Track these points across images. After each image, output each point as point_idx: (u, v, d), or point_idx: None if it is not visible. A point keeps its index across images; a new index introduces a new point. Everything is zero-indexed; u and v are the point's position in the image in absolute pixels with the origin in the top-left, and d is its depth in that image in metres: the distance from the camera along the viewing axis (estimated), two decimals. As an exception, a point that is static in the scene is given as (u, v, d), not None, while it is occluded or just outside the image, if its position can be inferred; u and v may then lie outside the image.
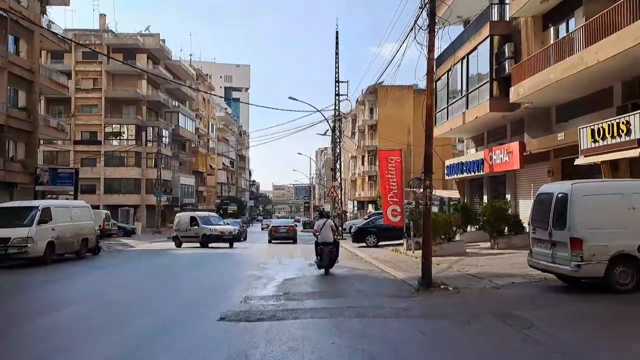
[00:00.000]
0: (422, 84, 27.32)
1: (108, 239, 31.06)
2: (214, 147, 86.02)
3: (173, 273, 16.69)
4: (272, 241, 31.38)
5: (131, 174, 57.29)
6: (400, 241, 23.25)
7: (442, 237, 17.12)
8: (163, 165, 56.56)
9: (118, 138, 57.37)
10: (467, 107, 24.82)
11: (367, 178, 64.74)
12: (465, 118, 24.83)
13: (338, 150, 32.42)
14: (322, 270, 14.27)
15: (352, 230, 25.64)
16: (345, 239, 31.60)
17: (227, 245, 26.66)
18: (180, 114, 64.80)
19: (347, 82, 30.27)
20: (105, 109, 57.44)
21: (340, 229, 32.42)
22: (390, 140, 59.73)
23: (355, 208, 71.14)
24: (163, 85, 63.66)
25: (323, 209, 78.71)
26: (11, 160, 30.66)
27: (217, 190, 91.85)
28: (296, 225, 37.02)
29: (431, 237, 11.45)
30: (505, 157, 21.91)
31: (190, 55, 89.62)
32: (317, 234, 14.58)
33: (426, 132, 11.79)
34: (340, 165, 32.44)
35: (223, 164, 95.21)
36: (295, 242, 31.81)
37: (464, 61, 25.17)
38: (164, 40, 62.99)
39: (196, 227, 26.51)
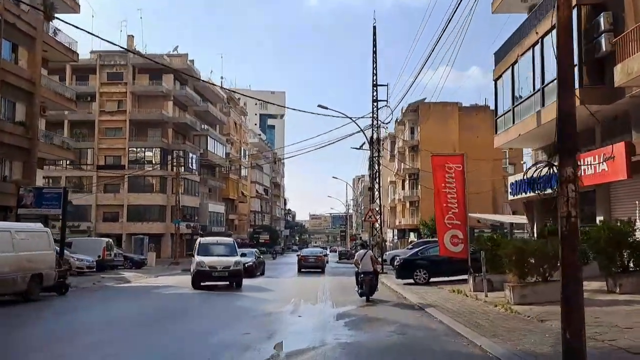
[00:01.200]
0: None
1: (109, 271, 26.55)
2: (246, 174, 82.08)
3: (117, 334, 10.01)
4: (302, 269, 31.50)
5: (156, 200, 53.45)
6: (461, 277, 17.66)
7: (536, 275, 11.46)
8: (183, 190, 52.71)
9: (142, 162, 53.78)
10: (542, 105, 19.20)
11: (408, 204, 58.91)
12: (541, 118, 19.19)
13: (377, 167, 27.08)
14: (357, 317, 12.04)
15: (395, 263, 20.06)
16: (386, 272, 26.13)
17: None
18: (209, 138, 61.11)
19: (387, 85, 24.70)
20: (130, 132, 54.20)
21: (379, 259, 27.02)
22: (434, 162, 54.10)
23: (395, 237, 65.09)
24: (191, 108, 60.32)
25: (361, 239, 73.09)
26: (4, 180, 26.75)
27: (251, 219, 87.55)
28: (326, 255, 35.98)
29: (579, 279, 5.84)
30: (601, 165, 16.15)
31: (222, 78, 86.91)
32: (358, 264, 15.39)
33: (559, 73, 6.18)
34: (379, 184, 27.03)
35: (256, 191, 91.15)
36: (323, 272, 30.97)
37: (537, 47, 19.69)
38: (192, 61, 59.94)
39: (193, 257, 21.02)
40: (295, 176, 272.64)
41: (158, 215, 53.50)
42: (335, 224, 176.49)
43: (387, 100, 26.04)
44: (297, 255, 45.82)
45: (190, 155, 56.43)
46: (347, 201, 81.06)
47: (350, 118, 26.36)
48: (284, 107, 63.73)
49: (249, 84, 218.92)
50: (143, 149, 53.89)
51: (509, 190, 24.74)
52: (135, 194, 53.09)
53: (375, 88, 25.93)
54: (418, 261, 19.33)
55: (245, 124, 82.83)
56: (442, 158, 15.84)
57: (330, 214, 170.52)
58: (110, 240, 28.05)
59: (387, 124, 25.85)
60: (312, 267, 31.11)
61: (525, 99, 21.15)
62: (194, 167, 57.61)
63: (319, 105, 26.13)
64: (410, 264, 19.45)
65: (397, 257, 31.38)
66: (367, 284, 14.74)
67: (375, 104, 26.02)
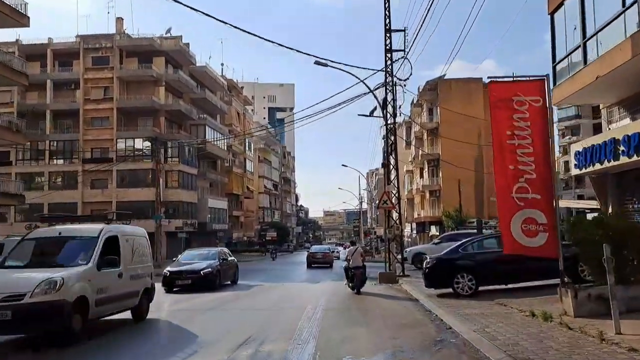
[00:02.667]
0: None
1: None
2: (251, 169, 76.00)
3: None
4: (312, 265, 32.52)
5: (147, 195, 47.44)
6: (525, 284, 11.40)
7: None
8: (177, 184, 47.11)
9: (132, 154, 47.87)
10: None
11: (427, 194, 52.25)
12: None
13: (392, 138, 20.65)
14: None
15: (425, 265, 13.55)
16: (408, 275, 19.77)
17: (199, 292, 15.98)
18: (207, 127, 55.05)
19: (405, 30, 18.32)
20: (118, 122, 48.41)
21: (398, 256, 20.72)
22: (456, 146, 47.47)
23: (414, 231, 58.39)
24: (187, 95, 54.34)
25: (376, 234, 66.97)
26: None
27: (259, 216, 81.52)
28: (334, 252, 38.13)
29: None
30: None
31: (222, 64, 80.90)
32: (349, 259, 16.13)
33: None
34: (395, 159, 20.65)
35: (265, 186, 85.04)
36: (331, 266, 32.30)
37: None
38: (187, 45, 53.89)
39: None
40: (306, 171, 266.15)
41: (151, 212, 47.55)
42: (350, 221, 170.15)
43: (404, 51, 19.36)
44: (307, 252, 42.26)
45: (185, 145, 50.46)
46: (359, 193, 74.16)
47: (358, 78, 20.00)
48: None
49: (256, 76, 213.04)
50: (132, 140, 47.99)
51: (574, 162, 18.08)
52: (125, 190, 47.30)
53: (388, 34, 19.43)
54: (460, 261, 12.86)
55: (251, 115, 76.75)
56: (506, 87, 9.25)
57: (345, 210, 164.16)
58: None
59: (404, 81, 19.05)
60: (320, 262, 32.78)
61: (609, 23, 14.44)
62: (190, 159, 51.62)
63: (316, 62, 19.80)
64: (448, 265, 12.99)
65: (425, 256, 25.05)
66: (357, 278, 15.35)
67: (388, 55, 19.51)
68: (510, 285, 12.66)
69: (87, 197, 47.57)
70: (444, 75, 48.78)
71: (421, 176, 54.76)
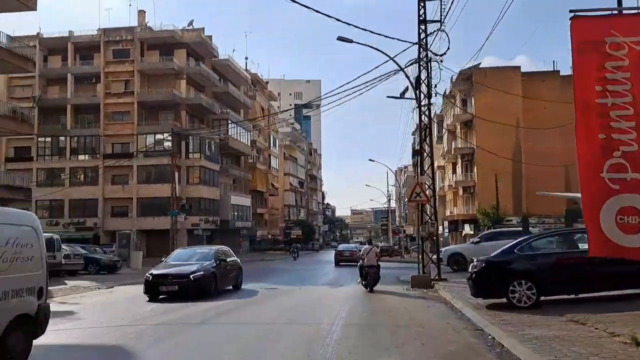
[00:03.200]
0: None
1: (52, 279, 18.84)
2: (276, 166, 74.10)
3: None
4: (340, 263, 33.39)
5: (168, 191, 45.84)
6: (605, 292, 8.79)
7: None
8: (199, 180, 45.45)
9: (153, 149, 46.35)
10: None
11: (461, 190, 49.22)
12: None
13: (427, 120, 18.08)
14: None
15: (471, 269, 10.95)
16: (445, 279, 17.24)
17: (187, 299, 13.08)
18: (229, 122, 53.21)
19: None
20: (139, 116, 47.02)
21: (433, 257, 18.19)
22: (492, 139, 44.37)
23: (446, 230, 55.32)
24: (209, 89, 52.68)
25: (404, 232, 64.14)
26: None
27: (285, 214, 79.65)
28: (360, 250, 33.52)
29: None
30: None
31: (246, 58, 79.13)
32: (364, 258, 16.06)
33: None
34: (430, 145, 18.10)
35: (290, 184, 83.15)
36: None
37: None
38: (210, 37, 52.21)
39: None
40: (333, 167, 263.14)
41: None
42: (377, 219, 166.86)
43: (440, 22, 16.78)
44: (335, 250, 42.14)
45: (207, 140, 48.77)
46: (387, 190, 71.37)
47: (387, 55, 17.51)
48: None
49: (282, 73, 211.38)
50: (153, 135, 46.46)
51: None
52: (146, 186, 45.85)
53: (422, 2, 16.86)
54: (516, 265, 10.29)
55: (276, 110, 74.80)
56: (596, 23, 6.59)
57: (372, 208, 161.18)
58: (55, 236, 20.27)
59: (441, 56, 16.40)
60: (347, 260, 33.34)
61: None
62: (212, 155, 49.90)
63: (339, 38, 17.44)
64: (500, 270, 10.42)
65: (461, 257, 22.48)
66: (371, 277, 15.56)
67: (422, 26, 16.95)
68: (584, 295, 10.03)
69: (107, 193, 46.34)
70: (479, 64, 45.70)
71: (454, 172, 51.69)
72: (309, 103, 78.33)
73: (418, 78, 17.50)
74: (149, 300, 13.37)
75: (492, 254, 10.85)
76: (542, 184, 42.62)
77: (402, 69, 17.81)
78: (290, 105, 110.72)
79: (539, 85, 45.52)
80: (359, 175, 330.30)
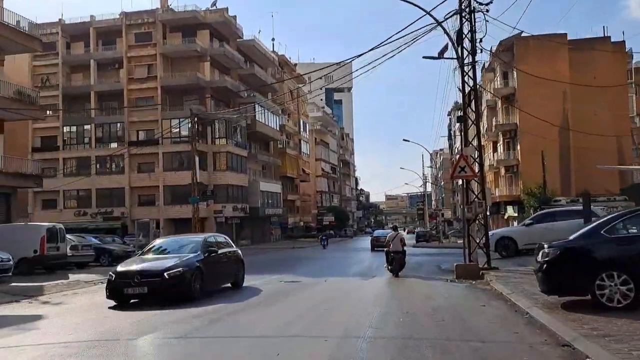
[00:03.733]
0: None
1: (57, 272, 17.08)
2: (306, 151, 71.81)
3: None
4: (375, 249, 32.64)
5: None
6: None
7: None
8: (225, 166, 43.55)
9: (176, 135, 44.75)
10: None
11: (502, 170, 45.72)
12: None
13: (470, 80, 15.29)
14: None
15: (540, 257, 8.19)
16: (495, 267, 14.62)
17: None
18: (256, 105, 51.07)
19: None
20: (163, 101, 45.40)
21: (481, 240, 15.60)
22: (537, 113, 40.74)
23: (487, 212, 51.92)
24: (234, 71, 50.68)
25: (442, 215, 61.01)
26: None
27: (318, 200, 77.49)
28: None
29: None
30: None
31: (273, 40, 76.69)
32: (389, 244, 15.84)
33: None
34: (476, 110, 15.39)
35: (322, 169, 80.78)
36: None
37: None
38: (234, 17, 50.03)
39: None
40: (366, 151, 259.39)
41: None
42: (413, 204, 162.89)
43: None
44: (370, 236, 42.68)
45: (234, 125, 46.83)
46: (423, 171, 68.26)
47: (424, 9, 14.75)
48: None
49: (312, 57, 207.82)
50: (178, 120, 44.77)
51: None
52: (172, 173, 44.35)
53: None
54: (604, 252, 7.60)
55: (304, 94, 72.41)
56: None
57: (407, 193, 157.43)
58: (58, 225, 18.42)
59: (487, 5, 13.43)
60: (383, 246, 33.58)
61: None
62: (239, 140, 47.99)
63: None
64: (583, 259, 7.75)
65: (541, 245, 19.61)
66: (397, 262, 15.29)
67: (465, -32, 14.06)
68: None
69: (134, 181, 45.09)
70: (521, 32, 41.88)
71: (494, 151, 48.16)
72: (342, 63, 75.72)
73: (460, 32, 14.69)
74: (112, 308, 10.05)
75: (571, 237, 8.12)
76: (594, 161, 38.86)
77: (439, 24, 15.00)
78: (320, 89, 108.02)
79: (588, 53, 41.44)
80: (393, 159, 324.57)
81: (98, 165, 45.15)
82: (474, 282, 13.09)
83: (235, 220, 47.50)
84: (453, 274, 14.36)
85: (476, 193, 15.35)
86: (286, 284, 13.79)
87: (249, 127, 49.93)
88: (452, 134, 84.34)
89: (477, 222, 15.82)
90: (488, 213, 47.64)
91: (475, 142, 16.03)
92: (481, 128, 49.28)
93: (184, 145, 44.04)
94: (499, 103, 45.24)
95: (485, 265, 14.49)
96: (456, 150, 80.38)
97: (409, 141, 41.54)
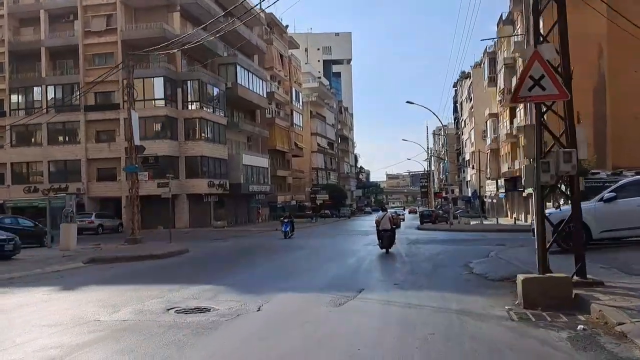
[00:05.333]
0: None
1: None
2: (299, 123, 64.24)
3: None
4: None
5: (166, 149, 37.08)
6: None
7: None
8: (199, 136, 35.93)
9: (140, 98, 37.36)
10: None
11: (522, 140, 38.13)
12: None
13: None
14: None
15: None
16: (599, 282, 7.12)
17: None
18: (239, 67, 43.56)
19: None
20: (125, 58, 37.80)
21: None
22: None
23: (501, 189, 44.52)
24: (212, 26, 42.73)
25: (453, 192, 53.58)
26: None
27: (313, 178, 70.25)
28: (400, 215, 39.66)
29: None
30: None
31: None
32: (379, 223, 16.32)
33: None
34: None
35: (318, 145, 73.34)
36: (398, 227, 25.07)
37: None
38: (212, -36, 42.12)
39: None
40: (366, 132, 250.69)
41: (168, 170, 37.18)
42: (415, 184, 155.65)
43: None
44: (375, 218, 38.24)
45: (208, 86, 39.36)
46: (427, 143, 61.00)
47: None
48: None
49: (309, 26, 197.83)
50: (141, 80, 37.31)
51: None
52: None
53: None
54: None
55: (298, 60, 64.64)
56: None
57: (409, 172, 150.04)
58: None
59: None
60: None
61: None
62: (216, 104, 40.54)
63: None
64: None
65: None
66: (386, 239, 15.90)
67: None
68: None
69: (91, 153, 37.85)
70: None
71: (511, 118, 40.64)
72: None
73: None
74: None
75: None
76: (635, 129, 31.67)
77: None
78: (318, 61, 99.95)
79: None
80: (394, 134, 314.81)
81: (50, 135, 37.92)
82: (566, 318, 5.90)
83: (213, 198, 40.46)
84: (511, 294, 7.21)
85: (558, 135, 8.01)
86: (174, 318, 6.54)
87: (230, 91, 42.44)
88: (459, 106, 76.56)
89: (557, 191, 8.57)
90: (503, 192, 40.14)
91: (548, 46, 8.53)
92: (495, 95, 41.83)
93: (153, 109, 36.78)
94: (519, 60, 37.53)
95: (576, 278, 7.25)
96: (464, 124, 72.62)
97: (413, 103, 33.92)
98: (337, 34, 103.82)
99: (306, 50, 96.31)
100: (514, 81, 36.33)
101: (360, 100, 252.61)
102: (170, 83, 37.52)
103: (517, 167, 37.51)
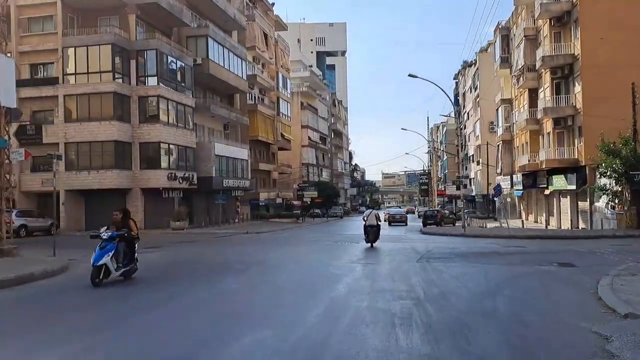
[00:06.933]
0: None
1: None
2: (288, 113, 56.83)
3: None
4: (391, 224, 38.87)
5: (110, 133, 29.67)
6: None
7: None
8: (138, 114, 28.74)
9: (84, 71, 30.01)
10: None
11: (549, 124, 30.84)
12: None
13: None
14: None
15: None
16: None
17: None
18: (210, 40, 36.16)
19: None
20: (66, 23, 30.51)
21: None
22: (609, 39, 26.17)
23: (518, 186, 37.13)
24: (179, -8, 35.39)
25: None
26: None
27: (304, 174, 62.89)
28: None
29: None
30: None
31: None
32: (365, 220, 17.53)
33: None
34: None
35: (309, 138, 66.06)
36: (406, 224, 38.95)
37: None
38: None
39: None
40: (361, 128, 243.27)
41: (115, 158, 29.76)
42: (412, 183, 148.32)
43: None
44: (385, 214, 44.11)
45: (170, 59, 31.94)
46: (427, 129, 53.58)
47: None
48: None
49: (302, 16, 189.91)
50: (85, 49, 29.91)
51: None
52: (80, 125, 29.67)
53: None
54: None
55: (286, 44, 57.20)
56: None
57: (405, 171, 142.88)
58: None
59: None
60: (398, 221, 39.98)
61: None
62: (180, 81, 33.10)
63: None
64: None
65: None
66: (372, 234, 16.99)
67: None
68: None
69: (25, 137, 30.29)
70: None
71: (531, 101, 33.34)
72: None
73: None
74: None
75: None
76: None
77: None
78: (312, 52, 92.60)
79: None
80: (392, 131, 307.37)
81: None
82: None
83: (177, 194, 33.08)
84: None
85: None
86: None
87: (199, 69, 35.07)
88: (460, 99, 69.30)
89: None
90: (520, 188, 32.52)
91: None
92: (503, 83, 34.31)
93: (100, 85, 29.38)
94: (545, 29, 30.24)
95: None
96: (466, 117, 65.32)
97: (416, 77, 26.41)
98: (331, 24, 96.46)
99: (299, 41, 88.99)
100: (539, 53, 29.07)
101: (356, 96, 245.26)
102: (121, 53, 30.12)
103: (543, 157, 30.18)
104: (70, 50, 29.98)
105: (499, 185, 25.25)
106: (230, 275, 10.31)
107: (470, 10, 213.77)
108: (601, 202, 25.09)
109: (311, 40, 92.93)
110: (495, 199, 26.58)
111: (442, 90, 43.51)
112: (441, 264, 11.64)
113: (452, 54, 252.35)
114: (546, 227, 29.19)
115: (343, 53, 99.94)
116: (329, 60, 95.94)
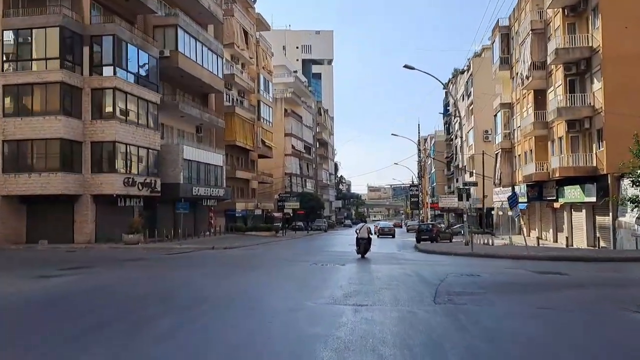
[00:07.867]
0: None
1: None
2: (269, 118, 52.56)
3: None
4: (380, 236, 37.77)
5: (56, 130, 25.04)
6: None
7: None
8: (91, 109, 24.42)
9: (30, 58, 25.49)
10: None
11: (562, 128, 26.95)
12: None
13: None
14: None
15: None
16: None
17: None
18: (180, 31, 31.84)
19: None
20: (7, 3, 26.03)
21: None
22: (634, 28, 22.54)
23: (523, 197, 33.15)
24: (145, -25, 31.07)
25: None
26: None
27: (286, 184, 58.49)
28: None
29: None
30: None
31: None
32: (358, 232, 18.49)
33: None
34: None
35: (293, 147, 61.84)
36: (394, 236, 39.79)
37: None
38: None
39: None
40: (347, 130, 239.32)
41: (62, 159, 25.07)
42: (398, 196, 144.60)
43: None
44: (375, 227, 40.82)
45: (130, 47, 27.49)
46: (418, 135, 49.86)
47: None
48: None
49: (288, 23, 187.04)
50: (30, 31, 25.40)
51: None
52: (18, 121, 25.01)
53: None
54: None
55: (268, 44, 53.11)
56: None
57: (391, 185, 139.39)
58: None
59: None
60: (386, 234, 40.58)
61: None
62: (143, 74, 28.63)
63: None
64: None
65: None
66: (363, 246, 17.87)
67: None
68: None
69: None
70: None
71: (536, 104, 29.62)
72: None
73: None
74: None
75: None
76: None
77: None
78: (297, 60, 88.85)
79: None
80: (379, 143, 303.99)
81: None
82: None
83: (136, 201, 28.43)
84: None
85: None
86: None
87: (167, 62, 30.70)
88: (451, 108, 65.81)
89: None
90: (525, 201, 27.86)
91: None
92: (503, 85, 30.00)
93: (43, 73, 24.81)
94: (556, 20, 26.58)
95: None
96: (458, 126, 61.83)
97: (413, 68, 22.23)
98: (317, 32, 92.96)
99: (284, 47, 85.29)
100: (551, 47, 25.29)
101: (342, 105, 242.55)
102: (71, 38, 25.65)
103: (555, 165, 26.27)
104: (11, 33, 25.44)
105: (514, 193, 21.14)
106: (118, 335, 5.87)
107: (463, 19, 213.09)
108: (628, 217, 21.15)
109: (297, 47, 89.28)
110: (510, 211, 22.40)
111: (439, 80, 39.33)
112: (475, 306, 7.38)
113: (443, 63, 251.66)
114: (567, 245, 25.14)
115: (330, 62, 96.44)
116: (315, 69, 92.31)
